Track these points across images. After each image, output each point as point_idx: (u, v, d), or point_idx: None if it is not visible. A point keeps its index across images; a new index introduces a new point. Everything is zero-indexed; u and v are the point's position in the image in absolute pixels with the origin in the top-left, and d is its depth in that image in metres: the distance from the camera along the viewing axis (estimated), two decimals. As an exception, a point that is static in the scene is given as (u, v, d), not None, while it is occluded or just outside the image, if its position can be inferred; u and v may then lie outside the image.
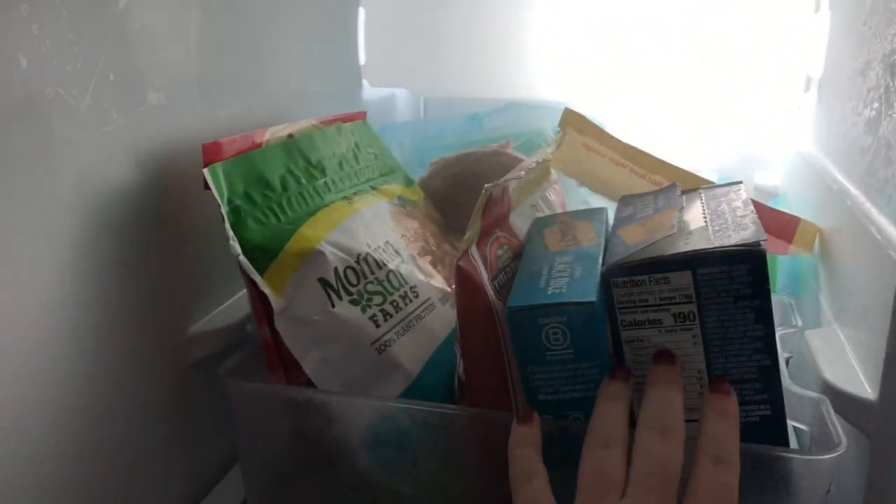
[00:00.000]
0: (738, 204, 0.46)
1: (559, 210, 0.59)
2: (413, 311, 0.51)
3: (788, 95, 0.75)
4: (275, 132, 0.54)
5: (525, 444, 0.39)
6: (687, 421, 0.41)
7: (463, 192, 0.65)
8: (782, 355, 0.49)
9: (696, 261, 0.39)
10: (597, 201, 0.63)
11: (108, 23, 0.44)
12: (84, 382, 0.44)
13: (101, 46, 0.43)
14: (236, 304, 0.57)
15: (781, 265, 0.62)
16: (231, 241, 0.46)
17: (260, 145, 0.52)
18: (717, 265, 0.39)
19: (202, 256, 0.54)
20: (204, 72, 0.53)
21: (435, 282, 0.54)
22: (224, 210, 0.47)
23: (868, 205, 0.50)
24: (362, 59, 0.83)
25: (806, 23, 0.72)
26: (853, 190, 0.53)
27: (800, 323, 0.56)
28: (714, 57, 0.78)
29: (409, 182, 0.65)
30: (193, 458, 0.55)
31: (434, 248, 0.59)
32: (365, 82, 0.83)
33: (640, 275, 0.40)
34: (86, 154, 0.43)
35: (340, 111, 0.63)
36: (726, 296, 0.39)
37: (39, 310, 0.40)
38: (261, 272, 0.47)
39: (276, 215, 0.49)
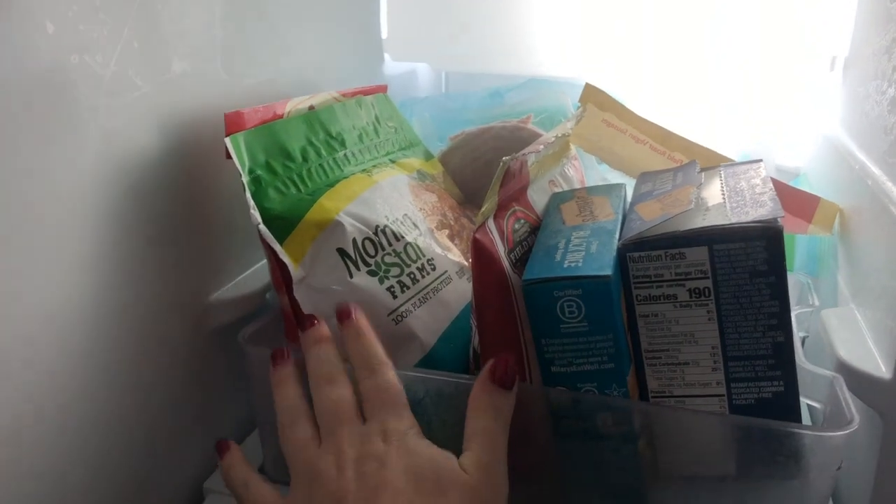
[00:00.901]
0: (758, 182, 0.46)
1: (577, 186, 0.59)
2: (430, 284, 0.51)
3: (813, 75, 0.74)
4: (296, 104, 0.54)
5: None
6: (699, 396, 0.42)
7: (482, 167, 0.65)
8: (797, 334, 0.49)
9: (712, 236, 0.40)
10: (616, 178, 0.63)
11: (133, -9, 0.44)
12: (105, 346, 0.45)
13: (127, 14, 0.44)
14: (256, 273, 0.58)
15: (800, 244, 0.62)
16: (252, 210, 0.47)
17: (281, 116, 0.52)
18: (733, 241, 0.39)
19: (223, 225, 0.55)
20: (228, 42, 0.53)
21: (452, 255, 0.55)
22: (245, 179, 0.47)
23: (889, 185, 0.49)
24: (384, 33, 0.83)
25: (832, 1, 0.71)
26: (875, 170, 0.53)
27: (817, 302, 0.56)
28: (739, 38, 0.77)
29: (428, 156, 0.66)
30: (212, 424, 0.56)
31: (452, 222, 0.59)
32: (387, 56, 0.83)
33: (656, 250, 0.41)
34: (110, 120, 0.43)
35: (362, 84, 0.63)
36: (742, 272, 0.40)
37: (63, 272, 0.41)
38: (280, 241, 0.48)
39: (296, 186, 0.50)
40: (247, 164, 0.48)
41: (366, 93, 0.62)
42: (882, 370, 0.44)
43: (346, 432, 0.40)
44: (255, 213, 0.47)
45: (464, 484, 0.38)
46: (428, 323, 0.50)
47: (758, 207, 0.41)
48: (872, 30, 0.60)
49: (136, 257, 0.47)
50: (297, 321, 0.47)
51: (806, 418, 0.46)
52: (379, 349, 0.43)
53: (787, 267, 0.47)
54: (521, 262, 0.45)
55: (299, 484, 0.39)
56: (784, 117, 0.83)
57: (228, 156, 0.47)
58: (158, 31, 0.47)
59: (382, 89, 0.65)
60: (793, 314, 0.50)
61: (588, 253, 0.42)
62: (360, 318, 0.44)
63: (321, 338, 0.44)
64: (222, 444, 0.45)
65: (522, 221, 0.49)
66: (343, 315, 0.44)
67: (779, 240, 0.39)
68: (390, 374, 0.42)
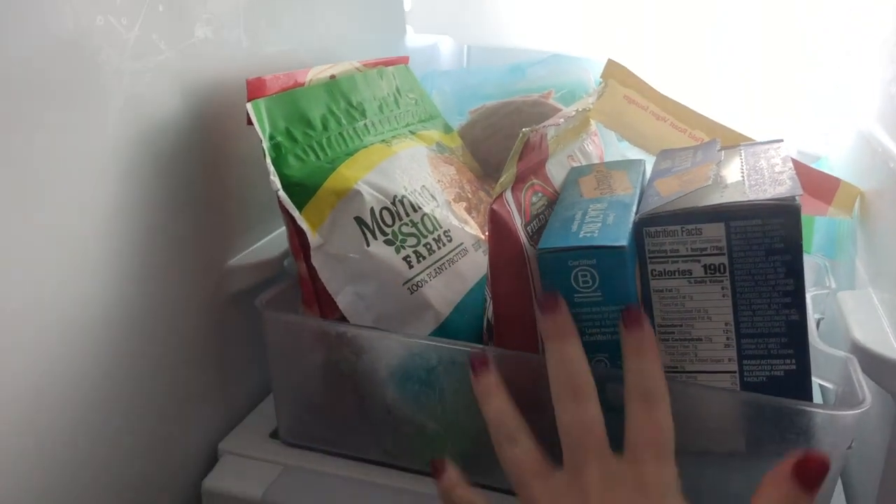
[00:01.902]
0: (777, 161, 0.46)
1: (597, 161, 0.59)
2: (446, 255, 0.52)
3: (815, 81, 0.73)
4: (317, 72, 0.54)
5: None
6: (711, 372, 0.42)
7: (502, 141, 0.65)
8: (812, 314, 0.49)
9: (729, 213, 0.39)
10: (636, 155, 0.62)
11: (158, -46, 0.45)
12: (122, 309, 0.46)
13: (152, -23, 0.44)
14: (274, 240, 0.58)
15: (819, 227, 0.61)
16: (272, 177, 0.47)
17: (303, 84, 0.53)
18: (750, 218, 0.39)
19: (243, 191, 0.55)
20: (251, 9, 0.54)
21: (469, 228, 0.55)
22: (265, 145, 0.48)
23: (912, 167, 0.49)
24: (407, 5, 0.83)
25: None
26: (897, 152, 0.52)
27: (833, 285, 0.55)
28: (741, 45, 0.76)
29: (448, 129, 0.66)
30: (228, 387, 0.57)
31: (470, 195, 0.59)
32: (409, 28, 0.83)
33: (672, 225, 0.40)
34: (133, 83, 0.44)
35: (384, 55, 0.63)
36: (758, 249, 0.40)
37: (85, 231, 0.42)
38: (299, 208, 0.48)
39: (315, 153, 0.50)
40: (267, 130, 0.48)
41: (387, 64, 0.62)
42: (896, 352, 0.44)
43: (596, 471, 0.35)
44: (275, 179, 0.47)
45: None
46: (443, 293, 0.50)
47: (776, 186, 0.41)
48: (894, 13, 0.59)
49: (157, 220, 0.47)
50: (536, 301, 0.42)
51: (818, 399, 0.46)
52: (662, 376, 0.37)
53: (805, 248, 0.47)
54: (537, 235, 0.45)
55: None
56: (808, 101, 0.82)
57: (249, 122, 0.48)
58: (183, -5, 0.47)
59: (404, 60, 0.65)
60: (808, 295, 0.50)
61: (604, 224, 0.42)
62: (649, 331, 0.37)
63: (567, 334, 0.38)
64: (438, 463, 0.40)
65: (540, 195, 0.49)
66: (632, 319, 0.37)
67: (796, 218, 0.39)
68: (667, 411, 0.36)
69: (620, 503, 0.34)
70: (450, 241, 0.53)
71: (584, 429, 0.36)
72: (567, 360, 0.37)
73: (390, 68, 0.62)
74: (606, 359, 0.41)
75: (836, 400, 0.45)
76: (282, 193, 0.47)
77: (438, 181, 0.57)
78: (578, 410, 0.36)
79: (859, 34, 0.69)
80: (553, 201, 0.50)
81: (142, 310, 0.47)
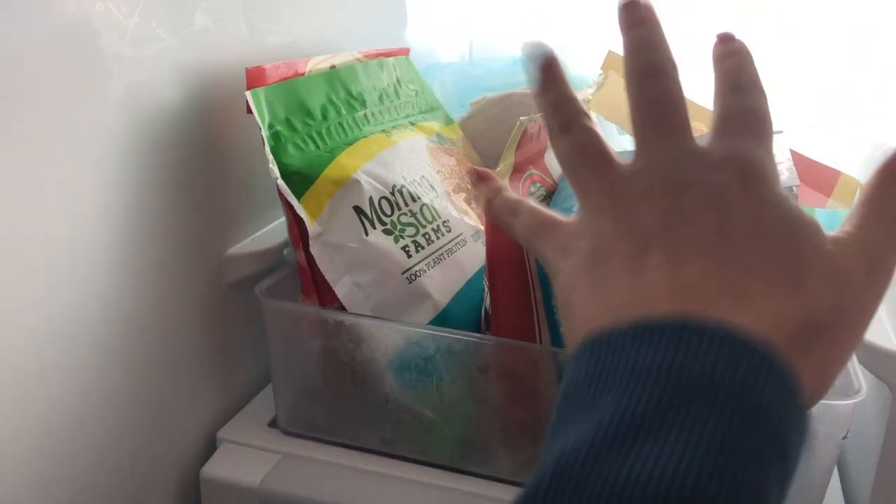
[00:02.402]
0: (776, 152, 0.45)
1: (596, 153, 0.59)
2: (444, 245, 0.52)
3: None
4: (318, 62, 0.54)
5: (492, 194, 0.34)
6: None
7: (502, 133, 0.65)
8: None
9: (726, 202, 0.39)
10: (636, 147, 0.62)
11: (158, -57, 0.45)
12: (124, 294, 0.46)
13: (152, -34, 0.44)
14: (274, 229, 0.58)
15: (818, 218, 0.61)
16: (271, 165, 0.47)
17: (303, 74, 0.53)
18: (747, 207, 0.39)
19: (242, 180, 0.55)
20: (251, -1, 0.54)
21: (468, 219, 0.55)
22: (265, 134, 0.48)
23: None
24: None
25: None
26: (898, 144, 0.52)
27: (832, 277, 0.55)
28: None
29: (448, 121, 0.66)
30: (227, 375, 0.57)
31: (469, 187, 0.59)
32: (411, 20, 0.83)
33: (669, 214, 0.40)
34: (133, 71, 0.44)
35: (385, 47, 0.63)
36: (755, 238, 0.39)
37: (84, 217, 0.42)
38: (298, 197, 0.48)
39: (315, 143, 0.50)
40: (267, 119, 0.48)
41: (388, 55, 0.62)
42: (893, 342, 0.44)
43: (674, 145, 0.27)
44: (274, 168, 0.47)
45: (835, 269, 0.24)
46: (441, 283, 0.50)
47: (774, 175, 0.41)
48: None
49: (156, 208, 0.47)
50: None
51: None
52: (759, 76, 0.29)
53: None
54: (535, 225, 0.45)
55: (589, 205, 0.28)
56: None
57: (249, 110, 0.48)
58: (182, -17, 0.47)
59: (405, 52, 0.65)
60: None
61: (602, 216, 0.42)
62: (745, 46, 0.30)
63: (647, 19, 0.30)
64: (479, 172, 0.36)
65: (538, 185, 0.49)
66: (726, 38, 0.31)
67: (793, 207, 0.39)
68: (765, 103, 0.29)
69: (703, 182, 0.26)
70: (449, 231, 0.53)
71: (668, 102, 0.28)
72: (644, 41, 0.30)
73: (391, 59, 0.62)
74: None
75: (832, 389, 0.45)
76: (281, 182, 0.47)
77: (438, 172, 0.57)
78: (659, 85, 0.29)
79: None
80: (552, 192, 0.50)
81: (141, 299, 0.47)
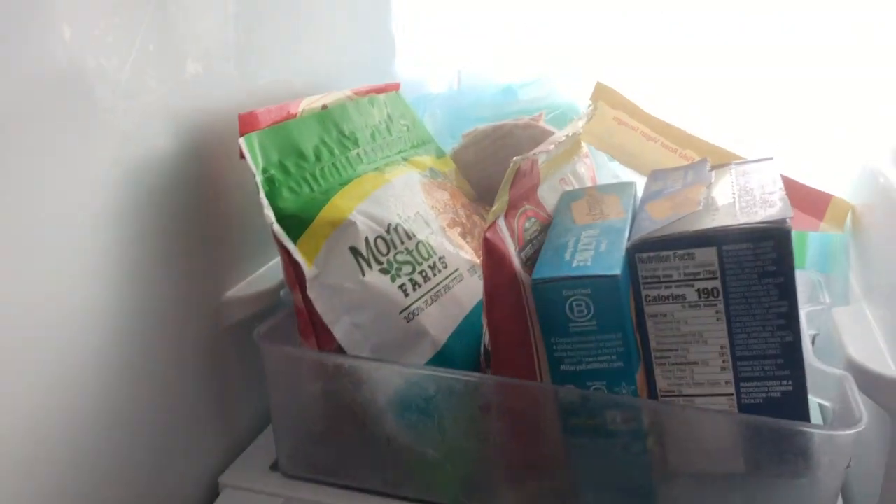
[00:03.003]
0: (768, 180, 0.46)
1: (589, 183, 0.59)
2: (441, 282, 0.52)
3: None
4: (309, 103, 0.55)
5: None
6: (708, 395, 0.42)
7: (494, 164, 0.65)
8: (807, 332, 0.49)
9: (721, 237, 0.40)
10: (628, 175, 0.63)
11: (147, -6, 0.45)
12: (121, 344, 0.46)
13: (142, 17, 0.44)
14: (270, 271, 0.58)
15: (812, 242, 0.61)
16: (265, 210, 0.47)
17: (295, 115, 0.53)
18: (742, 242, 0.39)
19: (238, 223, 0.55)
20: (241, 42, 0.54)
21: (464, 253, 0.55)
22: (259, 179, 0.48)
23: (901, 183, 0.49)
24: (397, 30, 0.83)
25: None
26: (887, 168, 0.53)
27: (828, 300, 0.56)
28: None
29: (440, 154, 0.66)
30: (227, 420, 0.57)
31: (464, 220, 0.60)
32: (399, 53, 0.84)
33: (665, 250, 0.41)
34: (126, 122, 0.44)
35: (375, 82, 0.63)
36: (751, 272, 0.40)
37: (78, 271, 0.42)
38: (294, 240, 0.48)
39: (309, 185, 0.50)
40: (260, 163, 0.48)
41: (378, 91, 0.62)
42: (892, 369, 0.44)
43: None
44: (269, 213, 0.47)
45: None
46: (440, 320, 0.50)
47: (767, 207, 0.41)
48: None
49: (152, 257, 0.47)
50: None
51: (816, 416, 0.46)
52: None
53: (799, 264, 0.47)
54: (531, 261, 0.46)
55: None
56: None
57: (243, 156, 0.48)
58: (173, 33, 0.47)
59: (395, 87, 0.66)
60: (803, 312, 0.51)
61: (597, 252, 0.43)
62: None
63: None
64: None
65: (533, 220, 0.50)
66: None
67: (787, 240, 0.39)
68: None
69: None
70: (445, 267, 0.53)
71: None
72: None
73: (381, 96, 0.62)
74: (603, 386, 0.42)
75: (833, 418, 0.45)
76: (276, 227, 0.47)
77: (432, 207, 0.57)
78: None
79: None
80: (546, 225, 0.50)
81: (139, 346, 0.47)
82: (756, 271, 0.40)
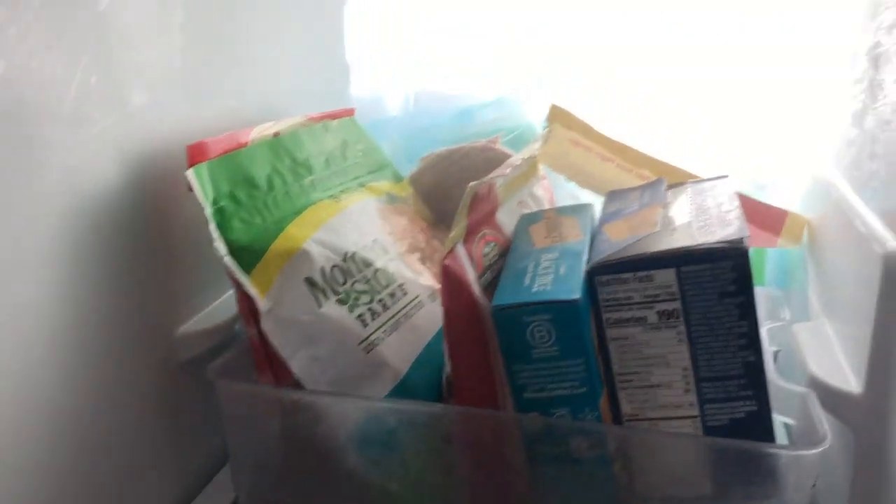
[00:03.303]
0: (724, 199, 0.46)
1: (547, 205, 0.59)
2: (401, 310, 0.51)
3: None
4: (261, 130, 0.54)
5: None
6: (673, 418, 0.42)
7: (453, 188, 0.65)
8: (769, 349, 0.49)
9: (679, 258, 0.39)
10: (586, 196, 0.63)
11: (88, 25, 0.44)
12: (71, 383, 0.44)
13: (83, 49, 0.43)
14: (225, 304, 0.57)
15: (770, 257, 0.62)
16: (216, 243, 0.46)
17: (246, 144, 0.52)
18: (700, 262, 0.39)
19: (190, 257, 0.54)
20: (189, 70, 0.53)
21: (423, 279, 0.54)
22: (208, 211, 0.47)
23: (854, 197, 0.50)
24: (351, 55, 0.83)
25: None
26: (839, 182, 0.53)
27: (788, 316, 0.56)
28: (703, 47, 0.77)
29: (398, 178, 0.65)
30: (184, 458, 0.55)
31: (423, 245, 0.59)
32: (354, 78, 0.83)
33: (624, 272, 0.40)
34: (71, 156, 0.43)
35: (329, 107, 0.62)
36: (710, 293, 0.39)
37: (25, 310, 0.41)
38: (247, 272, 0.47)
39: (261, 215, 0.49)
40: (210, 195, 0.47)
41: (333, 116, 0.62)
42: (852, 385, 0.44)
43: None
44: (220, 245, 0.46)
45: None
46: (400, 350, 0.50)
47: (724, 227, 0.41)
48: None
49: (102, 293, 0.46)
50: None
51: (781, 434, 0.46)
52: None
53: (758, 280, 0.47)
54: (491, 286, 0.45)
55: None
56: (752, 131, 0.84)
57: (192, 188, 0.47)
58: (116, 64, 0.46)
59: (350, 112, 0.65)
60: (765, 329, 0.50)
61: (557, 276, 0.42)
62: None
63: None
64: None
65: (492, 244, 0.49)
66: None
67: (745, 260, 0.39)
68: None
69: None
70: (404, 294, 0.52)
71: None
72: None
73: (336, 121, 0.61)
74: (567, 413, 0.41)
75: (798, 437, 0.45)
76: (228, 259, 0.46)
77: (390, 233, 0.56)
78: None
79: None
80: (506, 250, 0.49)
81: (91, 385, 0.46)
82: (715, 291, 0.39)
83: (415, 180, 0.67)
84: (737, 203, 0.45)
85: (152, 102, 0.49)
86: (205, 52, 0.55)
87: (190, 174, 0.46)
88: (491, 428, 0.42)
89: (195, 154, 0.47)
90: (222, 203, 0.48)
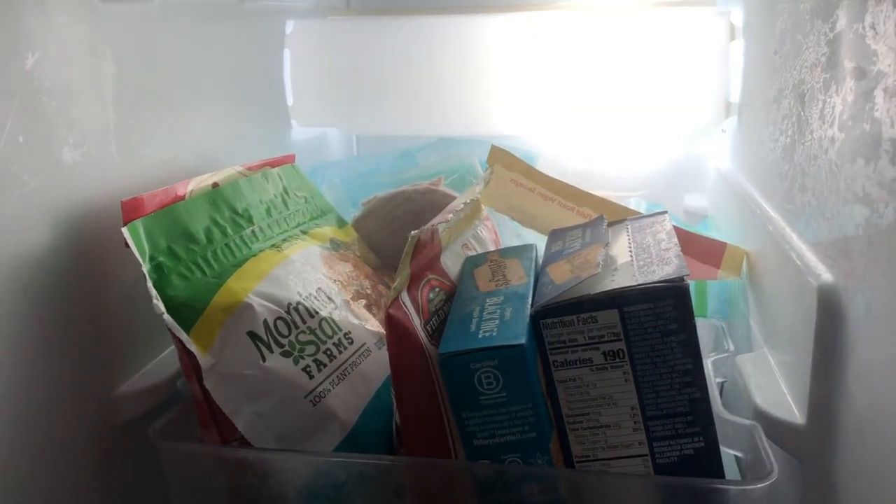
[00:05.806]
0: (663, 236, 0.47)
1: (491, 246, 0.59)
2: (348, 359, 0.50)
3: (711, 120, 0.76)
4: (199, 182, 0.53)
5: None
6: (623, 458, 0.42)
7: (397, 231, 0.65)
8: (714, 383, 0.50)
9: (621, 299, 0.40)
10: (529, 234, 0.63)
11: (14, 83, 0.43)
12: (8, 449, 0.42)
13: (8, 108, 0.42)
14: (166, 360, 0.55)
15: (712, 289, 0.63)
16: (154, 301, 0.45)
17: (183, 197, 0.51)
18: (641, 302, 0.40)
19: (129, 314, 0.52)
20: (122, 124, 0.52)
21: (370, 326, 0.54)
22: (146, 268, 0.46)
23: (788, 230, 0.51)
24: (290, 100, 0.82)
25: (723, 50, 0.74)
26: (774, 214, 0.55)
27: (732, 347, 0.56)
28: (635, 83, 0.79)
29: (341, 223, 0.65)
30: (127, 523, 0.53)
31: (369, 291, 0.58)
32: (294, 123, 0.83)
33: (568, 315, 0.41)
34: (-3, 218, 0.41)
35: (269, 153, 0.62)
36: (653, 332, 0.40)
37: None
38: (187, 329, 0.46)
39: (201, 269, 0.48)
40: (147, 251, 0.46)
41: (273, 164, 0.61)
42: (796, 416, 0.44)
43: None
44: (159, 303, 0.45)
45: None
46: (347, 400, 0.49)
47: (664, 265, 0.41)
48: (761, 79, 0.62)
49: (35, 356, 0.44)
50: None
51: (732, 468, 0.47)
52: None
53: (700, 313, 0.47)
54: (438, 333, 0.45)
55: None
56: (686, 161, 0.86)
57: (128, 244, 0.45)
58: (45, 122, 0.45)
59: (290, 159, 0.64)
60: (710, 360, 0.51)
61: (502, 320, 0.42)
62: None
63: None
64: None
65: (437, 290, 0.49)
66: None
67: (685, 298, 0.39)
68: None
69: None
70: (351, 343, 0.51)
71: None
72: None
73: (276, 169, 0.61)
74: (518, 458, 0.41)
75: (748, 469, 0.45)
76: (167, 317, 0.45)
77: (335, 281, 0.55)
78: None
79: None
80: (451, 294, 0.49)
81: (27, 451, 0.44)
82: (658, 330, 0.40)
83: (358, 225, 0.67)
84: (675, 240, 0.45)
85: (85, 158, 0.48)
86: (138, 105, 0.54)
87: (125, 231, 0.45)
88: (442, 477, 0.42)
89: (130, 210, 0.46)
90: (160, 259, 0.47)
